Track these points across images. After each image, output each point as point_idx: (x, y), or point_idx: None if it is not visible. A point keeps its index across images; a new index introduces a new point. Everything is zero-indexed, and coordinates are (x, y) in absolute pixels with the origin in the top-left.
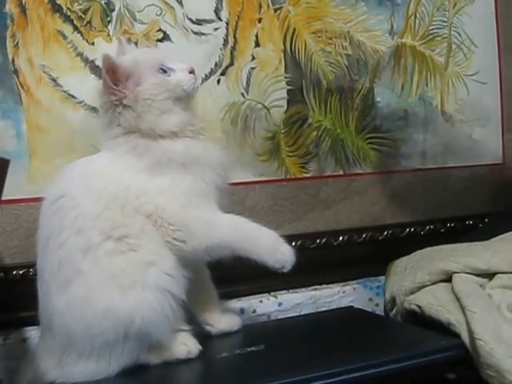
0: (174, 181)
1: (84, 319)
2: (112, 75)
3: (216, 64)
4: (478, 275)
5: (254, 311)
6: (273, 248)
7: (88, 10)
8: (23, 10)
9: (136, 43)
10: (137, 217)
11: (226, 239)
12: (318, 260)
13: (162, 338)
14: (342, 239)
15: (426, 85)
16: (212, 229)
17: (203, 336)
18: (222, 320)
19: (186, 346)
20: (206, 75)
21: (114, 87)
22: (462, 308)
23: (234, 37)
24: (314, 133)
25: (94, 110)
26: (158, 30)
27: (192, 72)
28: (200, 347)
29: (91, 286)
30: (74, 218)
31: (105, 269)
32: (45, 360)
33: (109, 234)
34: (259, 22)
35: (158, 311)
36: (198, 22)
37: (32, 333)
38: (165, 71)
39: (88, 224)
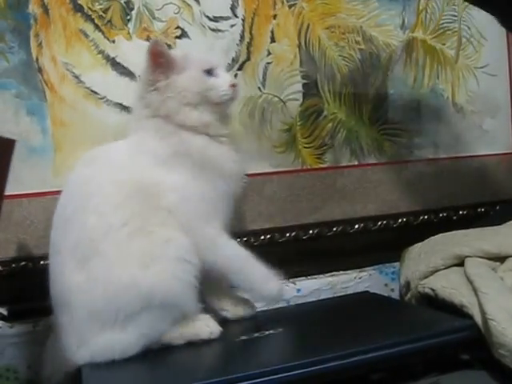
0: (188, 182)
1: (106, 294)
2: (154, 58)
3: (233, 59)
4: (489, 259)
5: None
6: (262, 284)
7: (108, 9)
8: (46, 10)
9: None
10: (156, 210)
11: (221, 264)
12: (335, 247)
13: (187, 309)
14: (358, 227)
15: (438, 77)
16: (212, 249)
17: (221, 321)
18: (238, 305)
19: (208, 327)
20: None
21: (153, 69)
22: (475, 290)
23: (250, 33)
24: (329, 125)
25: (116, 105)
26: (177, 28)
27: (233, 86)
28: (221, 328)
29: (112, 265)
30: (96, 204)
31: (124, 250)
32: (67, 341)
33: (128, 222)
34: (274, 19)
35: (181, 280)
36: (215, 19)
37: None
38: (209, 73)
39: (110, 210)
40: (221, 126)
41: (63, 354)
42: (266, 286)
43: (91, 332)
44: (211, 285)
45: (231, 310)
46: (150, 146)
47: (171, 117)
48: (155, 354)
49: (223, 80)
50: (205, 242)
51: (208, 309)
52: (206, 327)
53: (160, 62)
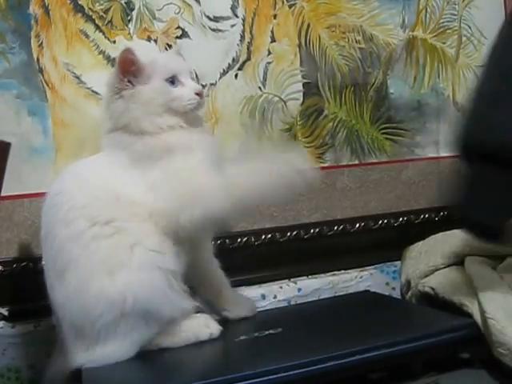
0: (162, 169)
1: (81, 307)
2: (124, 66)
3: (233, 59)
4: (489, 258)
5: (275, 297)
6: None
7: (109, 9)
8: (46, 10)
9: (156, 41)
10: (127, 207)
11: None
12: (335, 247)
13: (167, 312)
14: (359, 226)
15: (438, 76)
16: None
17: (221, 321)
18: (238, 305)
19: (208, 327)
20: (223, 70)
21: (121, 77)
22: (474, 289)
23: (251, 33)
24: (330, 124)
25: None
26: (177, 28)
27: (199, 94)
28: (221, 328)
29: (83, 274)
30: (65, 211)
31: (92, 255)
32: (69, 347)
33: (95, 220)
34: (274, 18)
35: (150, 287)
36: (215, 19)
37: None
38: (173, 82)
39: (77, 213)
40: (189, 126)
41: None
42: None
43: (83, 346)
44: (210, 284)
45: (232, 310)
46: (117, 158)
47: (132, 125)
48: (155, 354)
49: (188, 88)
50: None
51: (208, 308)
52: (205, 328)
53: (129, 70)
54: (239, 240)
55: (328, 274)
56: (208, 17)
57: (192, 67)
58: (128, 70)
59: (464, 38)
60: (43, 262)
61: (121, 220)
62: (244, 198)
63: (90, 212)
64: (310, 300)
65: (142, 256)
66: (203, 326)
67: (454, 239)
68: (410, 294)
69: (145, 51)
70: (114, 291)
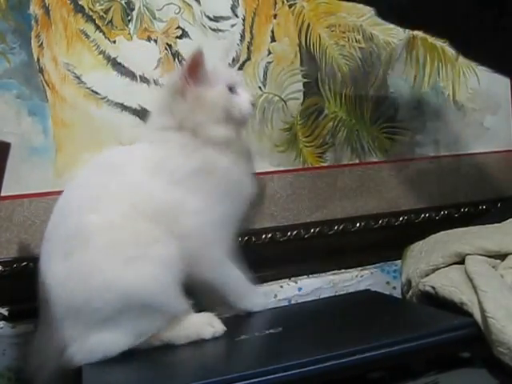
0: (209, 205)
1: (85, 291)
2: (193, 66)
3: (233, 59)
4: (490, 256)
5: (275, 296)
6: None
7: (109, 9)
8: (47, 11)
9: (156, 41)
10: (165, 233)
11: (216, 282)
12: (336, 246)
13: (170, 309)
14: (360, 225)
15: (438, 75)
16: (212, 272)
17: (223, 320)
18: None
19: (212, 326)
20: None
21: (187, 77)
22: (475, 288)
23: (251, 32)
24: (330, 123)
25: (117, 105)
26: (177, 28)
27: (253, 105)
28: (225, 327)
29: (96, 256)
30: (105, 207)
31: (115, 236)
32: (58, 328)
33: (129, 216)
34: (275, 18)
35: (160, 283)
36: (216, 19)
37: None
38: (231, 90)
39: (109, 204)
40: (239, 142)
41: (52, 352)
42: (252, 300)
43: (71, 332)
44: (210, 296)
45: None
46: (173, 164)
47: (198, 131)
48: (155, 353)
49: (244, 98)
50: (208, 264)
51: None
52: (209, 326)
53: (197, 71)
54: (239, 239)
55: (328, 273)
56: (208, 17)
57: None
58: (196, 71)
59: None
60: (47, 230)
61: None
62: None
63: (129, 197)
64: (310, 299)
65: (161, 253)
66: (207, 325)
67: (454, 239)
68: (410, 293)
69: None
70: (124, 282)
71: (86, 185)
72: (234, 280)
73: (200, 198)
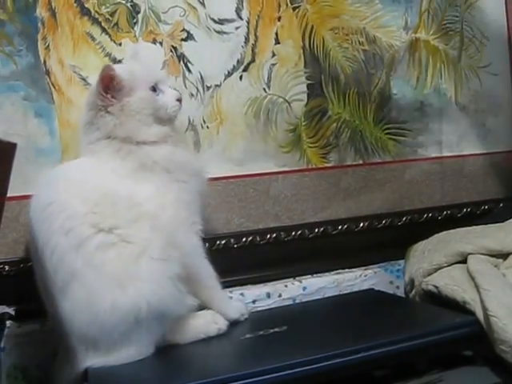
0: (160, 189)
1: (93, 320)
2: (106, 83)
3: (238, 61)
4: (492, 256)
5: (280, 295)
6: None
7: (115, 12)
8: (53, 13)
9: (161, 43)
10: (128, 213)
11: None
12: (340, 246)
13: (177, 312)
14: (363, 225)
15: (441, 77)
16: (194, 256)
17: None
18: (227, 307)
19: (216, 323)
20: (228, 72)
21: (104, 94)
22: (477, 287)
23: (255, 35)
24: (334, 124)
25: None
26: (182, 30)
27: (179, 100)
28: (228, 323)
29: (90, 287)
30: (62, 221)
31: (99, 266)
32: (79, 356)
33: (99, 227)
34: (279, 21)
35: (161, 293)
36: (220, 22)
37: None
38: (155, 90)
39: (77, 222)
40: (175, 134)
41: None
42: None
43: (93, 357)
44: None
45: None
46: (111, 166)
47: (131, 137)
48: (160, 353)
49: (170, 96)
50: (188, 248)
51: None
52: (213, 324)
53: (111, 85)
54: (244, 239)
55: (332, 272)
56: (213, 19)
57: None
58: (110, 85)
59: (466, 40)
60: (36, 278)
61: (123, 227)
62: None
63: (91, 219)
64: (314, 298)
65: (149, 267)
66: (211, 322)
67: (456, 238)
68: (413, 292)
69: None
70: (127, 303)
71: (41, 210)
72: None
73: (148, 185)
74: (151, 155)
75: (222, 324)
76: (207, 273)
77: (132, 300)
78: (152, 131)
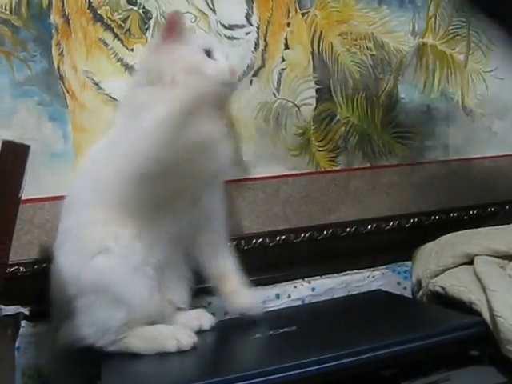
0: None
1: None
2: (171, 26)
3: (248, 66)
4: (498, 257)
5: (289, 296)
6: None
7: (127, 18)
8: (67, 20)
9: None
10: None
11: None
12: (348, 247)
13: (136, 302)
14: (371, 227)
15: (447, 81)
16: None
17: (234, 320)
18: (241, 300)
19: (177, 340)
20: (238, 77)
21: (165, 36)
22: (483, 287)
23: (265, 40)
24: (342, 128)
25: None
26: None
27: (233, 71)
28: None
29: (69, 252)
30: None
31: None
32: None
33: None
34: (288, 26)
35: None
36: (231, 28)
37: None
38: (208, 55)
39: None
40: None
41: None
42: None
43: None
44: (218, 264)
45: (233, 303)
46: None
47: (163, 78)
48: (169, 352)
49: (222, 63)
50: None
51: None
52: (173, 340)
53: (174, 31)
54: (254, 241)
55: (341, 273)
56: (223, 25)
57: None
58: (173, 30)
59: (473, 45)
60: None
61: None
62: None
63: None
64: (323, 299)
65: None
66: (172, 338)
67: (463, 240)
68: (420, 293)
69: None
70: (89, 273)
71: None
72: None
73: None
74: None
75: (184, 341)
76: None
77: (94, 271)
78: (191, 80)
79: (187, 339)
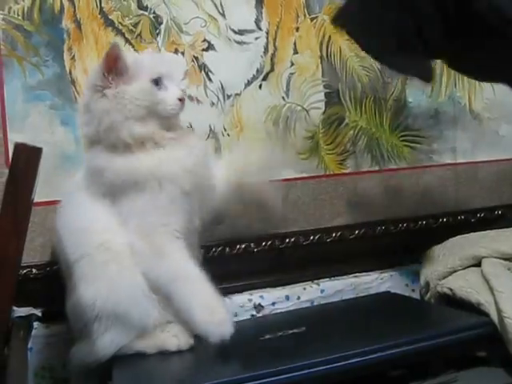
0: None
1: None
2: (110, 62)
3: (257, 70)
4: (505, 259)
5: (298, 298)
6: (203, 316)
7: (138, 23)
8: (78, 25)
9: (183, 53)
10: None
11: (163, 280)
12: (357, 249)
13: (136, 316)
14: (380, 230)
15: (455, 85)
16: (156, 258)
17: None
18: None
19: (177, 338)
20: (248, 81)
21: (106, 74)
22: (491, 289)
23: (274, 45)
24: (351, 132)
25: None
26: (203, 41)
27: (181, 100)
28: (192, 342)
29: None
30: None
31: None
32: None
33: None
34: (297, 31)
35: (121, 294)
36: (240, 32)
37: None
38: (157, 84)
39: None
40: (166, 132)
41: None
42: (208, 319)
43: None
44: None
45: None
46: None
47: (111, 133)
48: (178, 353)
49: (172, 93)
50: (151, 250)
51: None
52: (174, 338)
53: (114, 67)
54: (264, 243)
55: (350, 275)
56: (233, 30)
57: (182, 71)
58: (113, 66)
59: None
60: None
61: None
62: None
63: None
64: (332, 301)
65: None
66: (172, 337)
67: (471, 242)
68: (428, 294)
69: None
70: (87, 297)
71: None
72: (182, 281)
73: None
74: (121, 175)
75: (182, 340)
76: (179, 275)
77: (90, 295)
78: (137, 129)
79: (186, 339)
